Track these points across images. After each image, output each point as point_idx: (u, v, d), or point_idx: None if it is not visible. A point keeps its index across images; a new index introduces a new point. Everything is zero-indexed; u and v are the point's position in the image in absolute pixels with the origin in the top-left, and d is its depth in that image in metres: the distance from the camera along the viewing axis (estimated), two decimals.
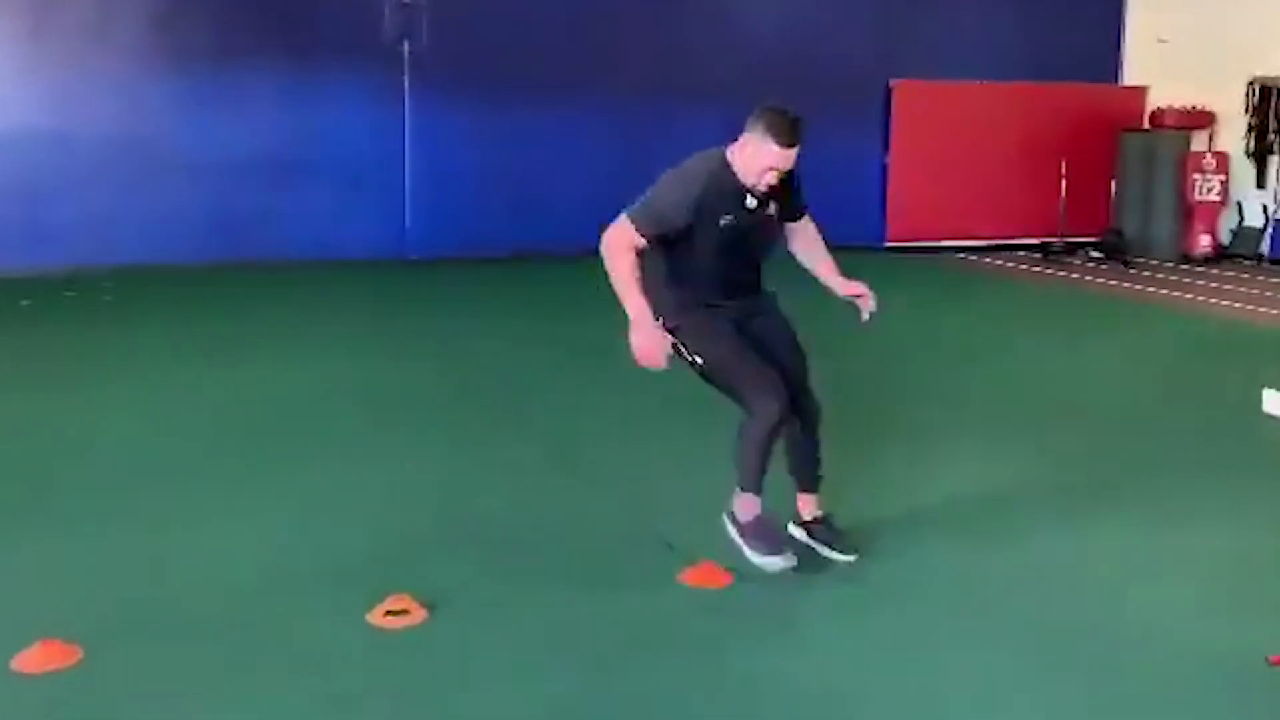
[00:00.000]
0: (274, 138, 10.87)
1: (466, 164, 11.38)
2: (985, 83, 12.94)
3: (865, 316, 3.86)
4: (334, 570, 3.78)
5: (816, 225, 3.92)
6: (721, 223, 3.59)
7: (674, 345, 3.63)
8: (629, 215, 3.61)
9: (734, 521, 3.75)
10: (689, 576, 3.71)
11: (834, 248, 3.93)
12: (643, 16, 11.91)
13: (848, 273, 3.92)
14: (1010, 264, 12.00)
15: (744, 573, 3.70)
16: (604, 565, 3.85)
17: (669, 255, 3.69)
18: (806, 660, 3.22)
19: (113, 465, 4.92)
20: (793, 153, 3.54)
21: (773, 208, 3.71)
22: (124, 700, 2.97)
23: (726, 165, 3.60)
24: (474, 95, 11.27)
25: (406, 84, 11.27)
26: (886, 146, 12.83)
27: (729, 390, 3.68)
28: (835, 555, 3.84)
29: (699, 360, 3.68)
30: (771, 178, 3.57)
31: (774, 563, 3.68)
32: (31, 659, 3.11)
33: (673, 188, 3.59)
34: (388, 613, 3.37)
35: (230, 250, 10.64)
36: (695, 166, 3.62)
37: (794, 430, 3.79)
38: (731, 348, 3.67)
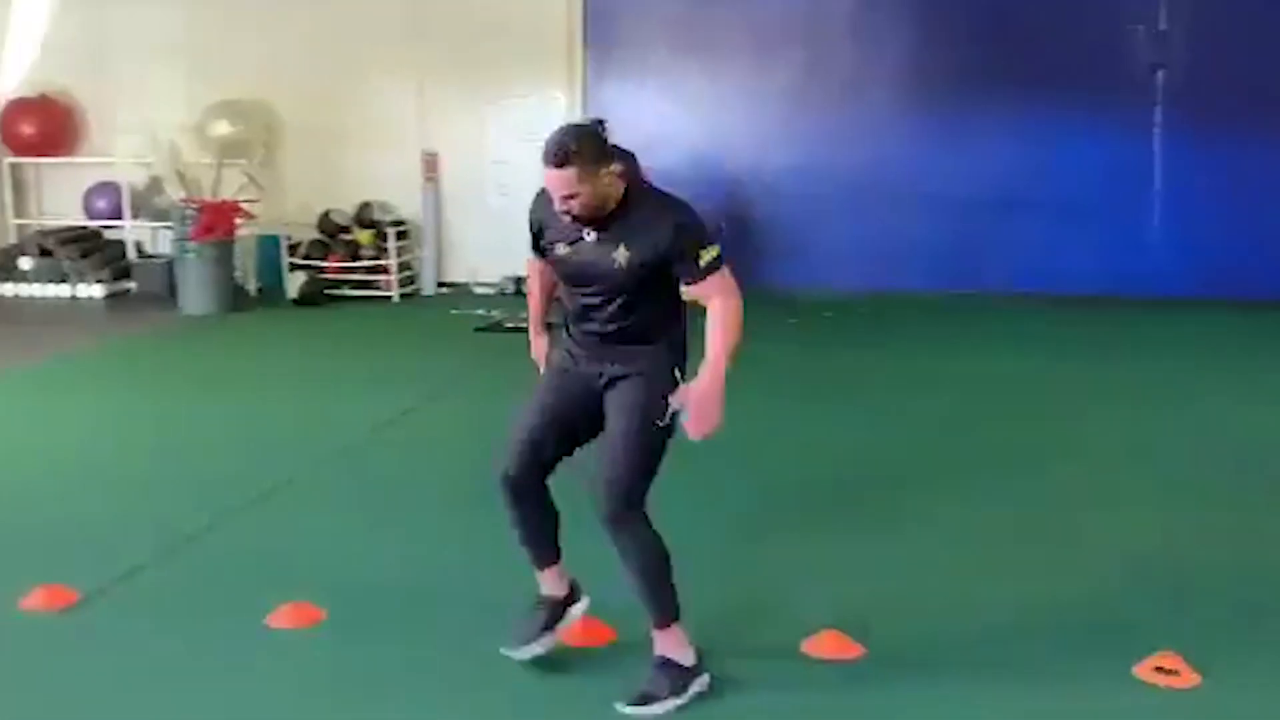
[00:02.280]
0: (1007, 171, 11.11)
1: (1224, 201, 10.71)
2: None
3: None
4: (1096, 615, 3.85)
5: (730, 303, 3.18)
6: (558, 251, 3.33)
7: None
8: None
9: None
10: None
11: None
12: None
13: None
14: None
15: None
16: None
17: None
18: None
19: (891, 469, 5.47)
20: (559, 174, 3.10)
21: (621, 253, 3.19)
22: (899, 695, 3.34)
23: None
24: (1233, 128, 10.53)
25: (1158, 116, 10.87)
26: None
27: None
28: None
29: None
30: (559, 203, 3.16)
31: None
32: (821, 644, 3.60)
33: (532, 202, 3.45)
34: (1157, 669, 3.38)
35: (958, 280, 11.10)
36: None
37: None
38: (534, 399, 3.40)
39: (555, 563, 3.47)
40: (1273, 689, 3.33)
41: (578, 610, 3.52)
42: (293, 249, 11.15)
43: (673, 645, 3.31)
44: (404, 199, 11.50)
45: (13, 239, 11.73)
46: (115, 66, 11.48)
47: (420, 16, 11.26)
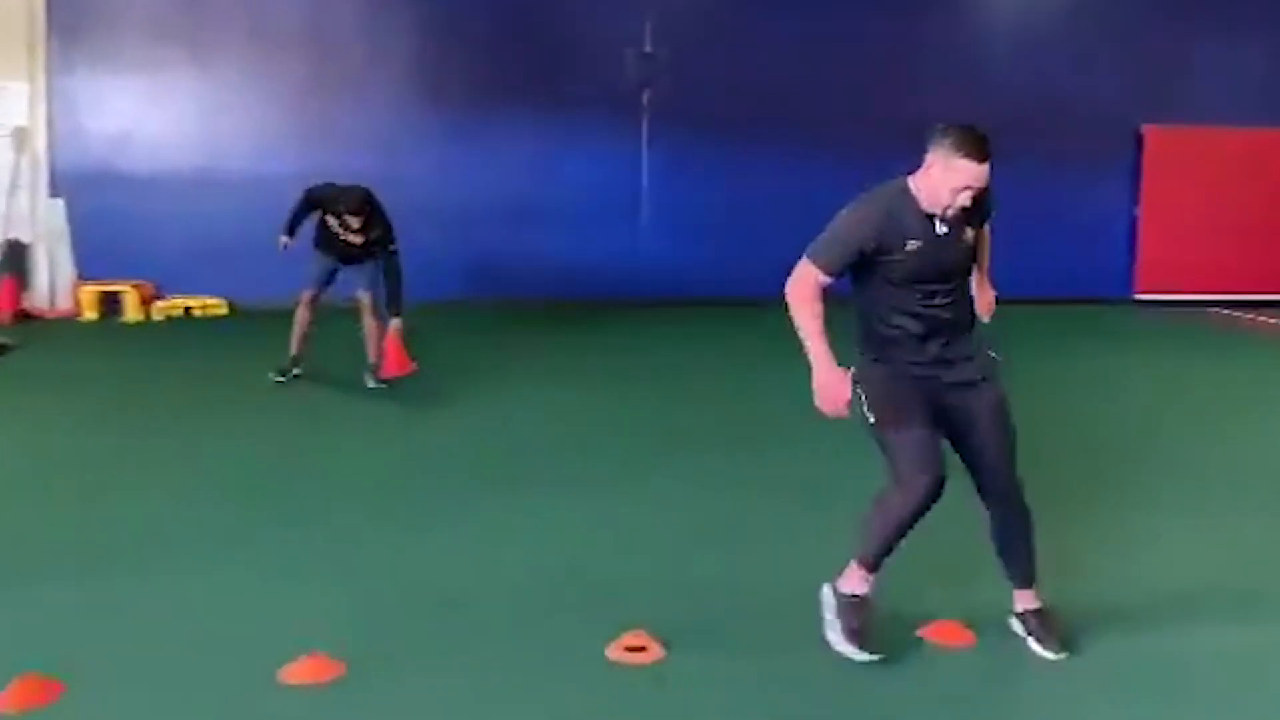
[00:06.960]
0: (519, 183, 11.38)
1: (701, 207, 11.62)
2: (1248, 129, 12.19)
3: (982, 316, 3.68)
4: (577, 601, 3.88)
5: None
6: (908, 248, 3.42)
7: (855, 395, 3.45)
8: (809, 254, 3.49)
9: (834, 592, 3.57)
10: (929, 632, 3.63)
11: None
12: (879, 59, 11.84)
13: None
14: (1276, 320, 11.18)
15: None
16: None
17: (860, 302, 3.57)
18: None
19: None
20: (987, 168, 3.35)
21: (969, 233, 3.50)
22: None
23: (907, 192, 3.46)
24: (711, 141, 11.49)
25: (645, 130, 11.60)
26: (1136, 194, 12.25)
27: (886, 455, 3.48)
28: (1040, 650, 3.55)
29: (870, 418, 3.48)
30: (966, 198, 3.37)
31: (848, 650, 3.46)
32: (299, 671, 3.30)
33: (855, 215, 3.48)
34: (627, 648, 3.42)
35: (476, 289, 11.18)
36: (876, 194, 3.52)
37: (996, 527, 3.60)
38: (900, 409, 3.45)
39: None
40: (730, 665, 3.47)
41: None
42: None
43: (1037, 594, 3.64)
44: None
45: None
46: None
47: None
